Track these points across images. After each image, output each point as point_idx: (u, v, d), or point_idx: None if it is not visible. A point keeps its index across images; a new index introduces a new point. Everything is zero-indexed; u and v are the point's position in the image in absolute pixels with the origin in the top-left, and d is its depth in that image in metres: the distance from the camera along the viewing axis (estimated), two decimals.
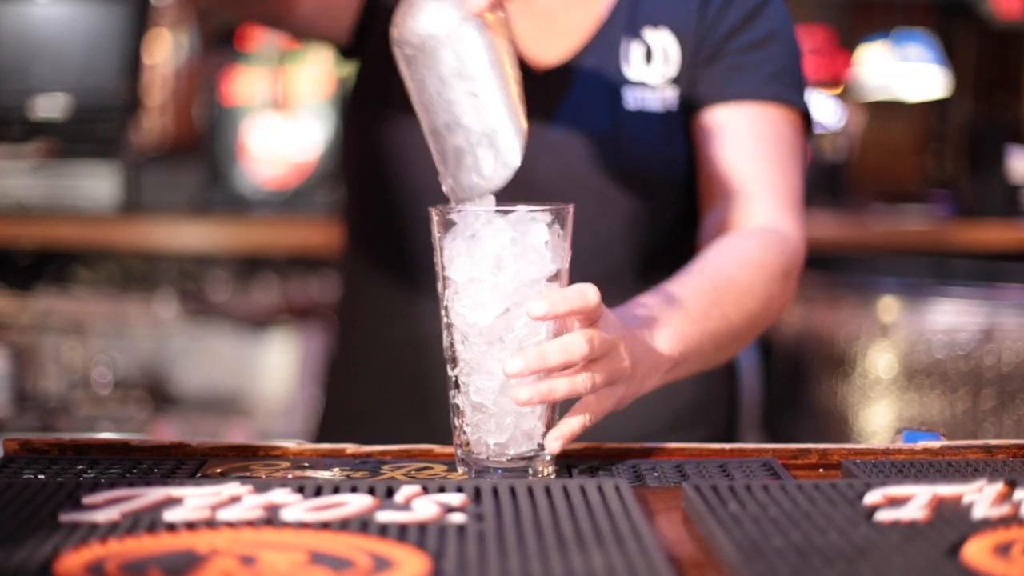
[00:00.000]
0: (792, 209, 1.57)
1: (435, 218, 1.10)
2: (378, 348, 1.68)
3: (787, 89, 1.61)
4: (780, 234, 1.53)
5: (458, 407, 1.10)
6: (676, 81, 1.60)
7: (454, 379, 1.10)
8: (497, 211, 1.08)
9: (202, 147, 3.62)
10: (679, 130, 1.61)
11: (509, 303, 1.06)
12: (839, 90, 4.48)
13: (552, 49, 1.62)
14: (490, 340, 1.07)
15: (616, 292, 1.49)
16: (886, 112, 4.66)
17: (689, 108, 1.61)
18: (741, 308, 1.44)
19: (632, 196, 1.59)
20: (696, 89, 1.61)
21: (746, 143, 1.59)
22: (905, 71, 4.47)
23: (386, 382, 1.67)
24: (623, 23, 1.61)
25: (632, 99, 1.60)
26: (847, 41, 4.60)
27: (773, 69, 1.62)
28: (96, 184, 3.43)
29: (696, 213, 1.66)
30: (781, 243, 1.52)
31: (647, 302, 1.34)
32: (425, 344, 1.59)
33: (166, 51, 3.96)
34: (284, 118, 3.51)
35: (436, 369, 1.56)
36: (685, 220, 1.65)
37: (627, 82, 1.60)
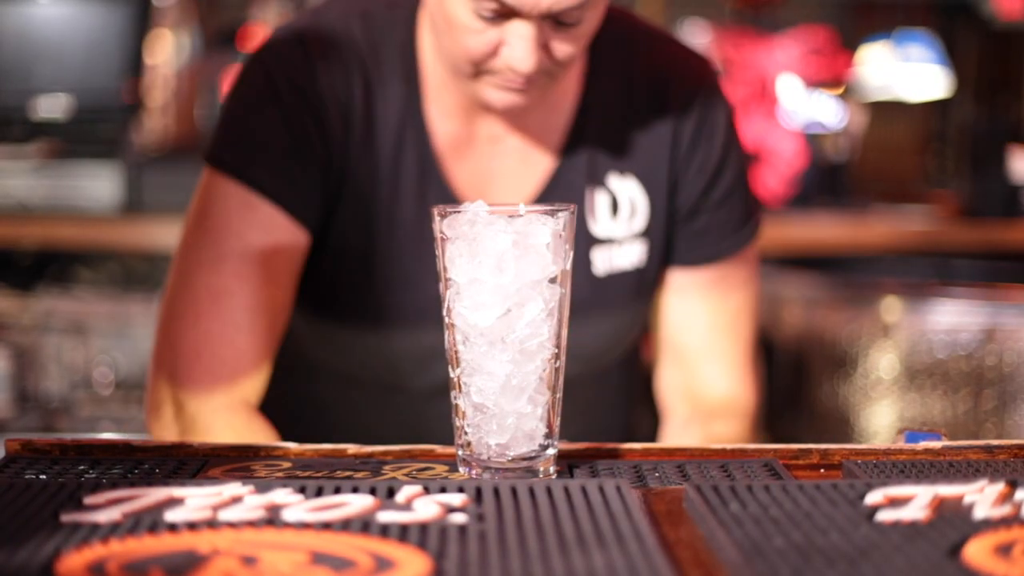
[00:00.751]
0: (743, 366, 1.61)
1: (437, 218, 1.10)
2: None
3: (751, 230, 1.60)
4: (734, 417, 1.60)
5: (459, 407, 1.10)
6: (645, 235, 1.53)
7: (456, 380, 1.10)
8: (499, 210, 1.08)
9: (203, 147, 3.62)
10: (651, 285, 1.57)
11: (511, 303, 1.06)
12: (840, 90, 4.49)
13: (495, 195, 1.50)
14: (491, 341, 1.07)
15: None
16: (887, 112, 4.66)
17: (659, 263, 1.56)
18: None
19: (598, 351, 1.57)
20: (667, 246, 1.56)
21: (708, 301, 1.59)
22: (906, 71, 4.47)
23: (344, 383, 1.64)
24: (584, 170, 1.51)
25: (601, 261, 1.52)
26: (849, 41, 4.60)
27: (741, 212, 1.59)
28: (97, 184, 3.44)
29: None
30: (736, 430, 1.59)
31: None
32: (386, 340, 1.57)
33: (168, 51, 3.96)
34: None
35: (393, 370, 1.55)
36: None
37: (594, 240, 1.52)
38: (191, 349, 1.39)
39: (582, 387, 1.53)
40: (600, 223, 1.51)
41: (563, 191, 1.50)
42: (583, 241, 1.50)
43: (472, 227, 1.07)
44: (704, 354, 1.60)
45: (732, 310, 1.60)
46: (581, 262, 1.50)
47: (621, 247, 1.52)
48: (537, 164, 1.51)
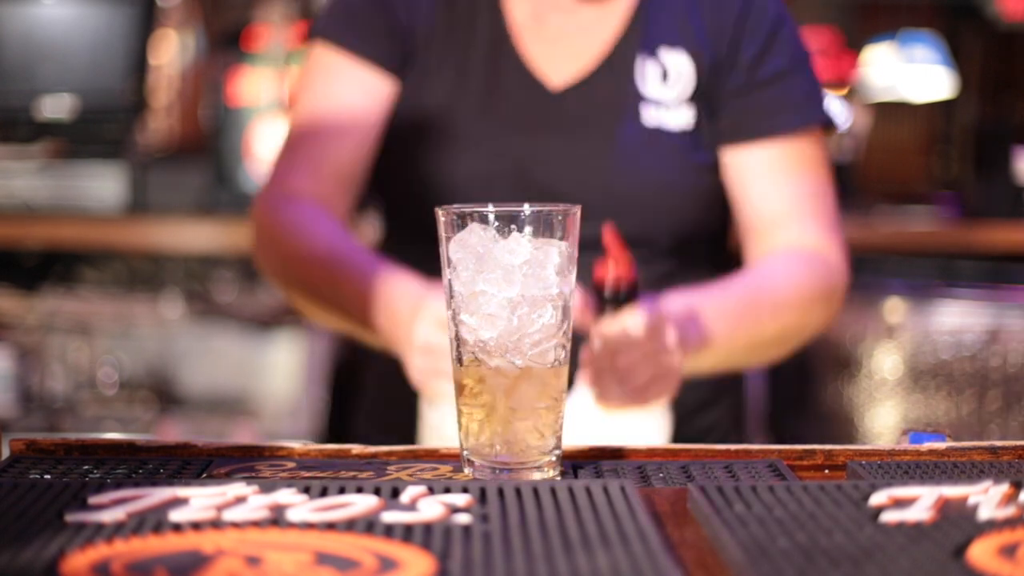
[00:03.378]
0: (833, 232, 1.65)
1: (442, 219, 1.10)
2: None
3: (813, 111, 1.66)
4: (824, 258, 1.62)
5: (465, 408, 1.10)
6: (692, 100, 1.63)
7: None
8: (504, 211, 1.07)
9: (208, 148, 3.63)
10: (699, 146, 1.64)
11: (518, 313, 1.06)
12: (845, 91, 4.48)
13: (566, 68, 1.64)
14: (500, 343, 1.07)
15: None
16: (892, 113, 4.65)
17: (707, 126, 1.64)
18: (777, 318, 1.56)
19: (655, 209, 1.63)
20: (723, 124, 1.64)
21: (782, 176, 1.64)
22: (911, 72, 4.47)
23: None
24: (638, 42, 1.63)
25: (649, 117, 1.62)
26: (853, 42, 4.59)
27: (799, 95, 1.66)
28: (102, 185, 3.44)
29: (722, 241, 1.72)
30: (825, 267, 1.62)
31: (684, 294, 1.47)
32: None
33: (172, 52, 3.96)
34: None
35: None
36: (709, 245, 1.70)
37: (644, 99, 1.62)
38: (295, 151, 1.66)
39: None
40: (651, 86, 1.62)
41: (620, 65, 1.63)
42: (633, 98, 1.62)
43: (481, 245, 1.07)
44: (787, 217, 1.63)
45: (811, 184, 1.64)
46: (631, 114, 1.61)
47: (669, 110, 1.62)
48: (594, 43, 1.64)
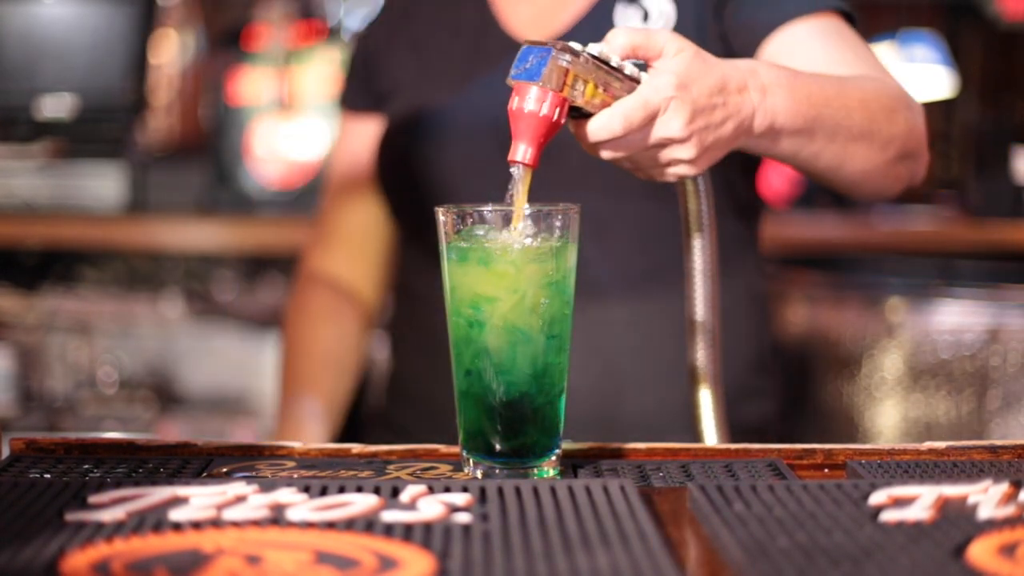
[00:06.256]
0: (884, 71, 1.58)
1: (442, 219, 1.09)
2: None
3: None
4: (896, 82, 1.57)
5: (464, 408, 1.10)
6: (677, 29, 1.57)
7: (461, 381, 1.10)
8: (504, 211, 1.08)
9: (208, 147, 3.62)
10: None
11: (516, 324, 1.07)
12: None
13: (546, 26, 1.65)
14: (499, 352, 1.07)
15: (655, 253, 1.59)
16: None
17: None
18: (865, 107, 1.43)
19: None
20: (736, 29, 1.56)
21: (832, 43, 1.55)
22: (911, 72, 4.47)
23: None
24: None
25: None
26: None
27: None
28: (102, 184, 3.44)
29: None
30: (899, 85, 1.57)
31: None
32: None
33: (172, 51, 3.96)
34: (290, 118, 3.52)
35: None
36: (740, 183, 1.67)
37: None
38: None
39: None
40: (631, 24, 1.61)
41: (599, 16, 1.62)
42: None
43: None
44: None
45: (862, 51, 1.58)
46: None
47: None
48: (573, 3, 1.65)
